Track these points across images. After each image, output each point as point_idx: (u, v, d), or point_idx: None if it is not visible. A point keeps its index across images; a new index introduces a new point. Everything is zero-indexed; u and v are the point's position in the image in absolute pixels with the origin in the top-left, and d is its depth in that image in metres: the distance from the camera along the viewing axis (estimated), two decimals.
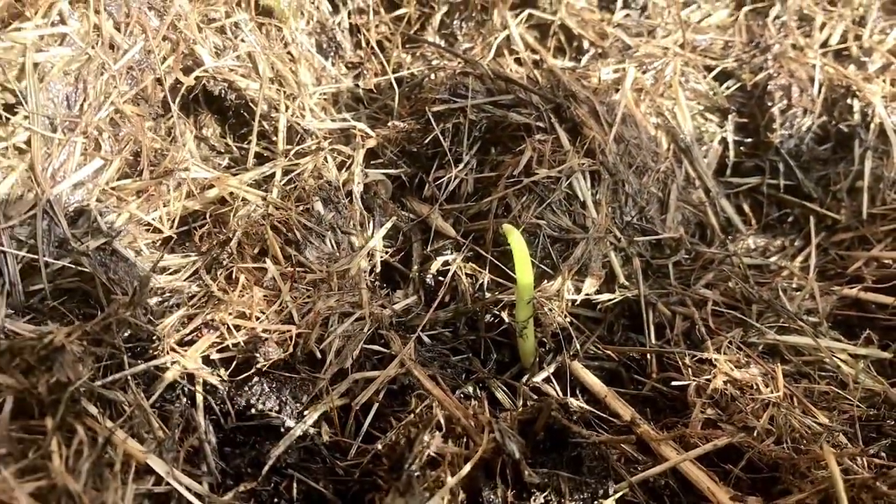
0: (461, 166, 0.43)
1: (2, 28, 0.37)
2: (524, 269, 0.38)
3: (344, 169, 0.44)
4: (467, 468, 0.32)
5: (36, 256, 0.33)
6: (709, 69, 0.55)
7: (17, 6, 0.38)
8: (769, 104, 0.54)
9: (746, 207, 0.52)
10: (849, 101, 0.54)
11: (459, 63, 0.48)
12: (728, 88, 0.55)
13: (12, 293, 0.33)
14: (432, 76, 0.48)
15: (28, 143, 0.35)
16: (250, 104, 0.44)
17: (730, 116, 0.54)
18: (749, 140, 0.54)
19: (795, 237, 0.50)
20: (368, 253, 0.42)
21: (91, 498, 0.28)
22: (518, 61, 0.50)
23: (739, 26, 0.57)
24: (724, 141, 0.55)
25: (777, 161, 0.53)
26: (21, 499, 0.26)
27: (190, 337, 0.35)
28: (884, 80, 0.55)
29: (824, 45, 0.57)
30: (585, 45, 0.54)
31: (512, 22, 0.51)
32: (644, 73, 0.51)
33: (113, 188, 0.37)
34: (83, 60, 0.37)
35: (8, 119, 0.34)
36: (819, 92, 0.53)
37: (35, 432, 0.30)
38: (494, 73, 0.46)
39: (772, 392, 0.37)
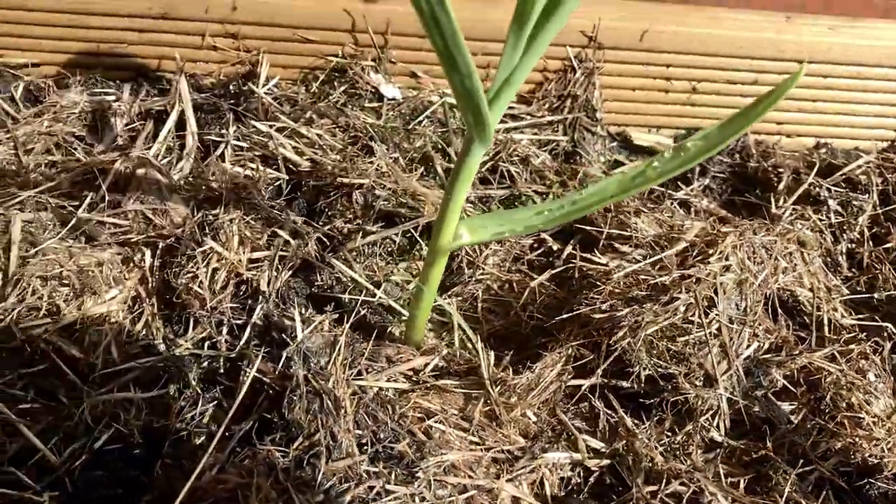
0: None
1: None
2: None
3: (876, 354, 0.64)
4: None
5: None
6: None
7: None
8: None
9: None
10: None
11: None
12: None
13: None
14: None
15: (719, 330, 0.58)
16: (801, 305, 0.65)
17: None
18: None
19: None
20: None
21: None
22: None
23: None
24: None
25: None
26: None
27: None
28: None
29: None
30: None
31: None
32: None
33: None
34: (740, 280, 0.60)
35: (707, 314, 0.58)
36: None
37: None
38: None
39: None
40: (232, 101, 0.74)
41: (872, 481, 0.53)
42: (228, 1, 0.74)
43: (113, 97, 0.72)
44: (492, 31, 0.76)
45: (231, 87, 0.75)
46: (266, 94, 0.74)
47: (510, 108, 0.78)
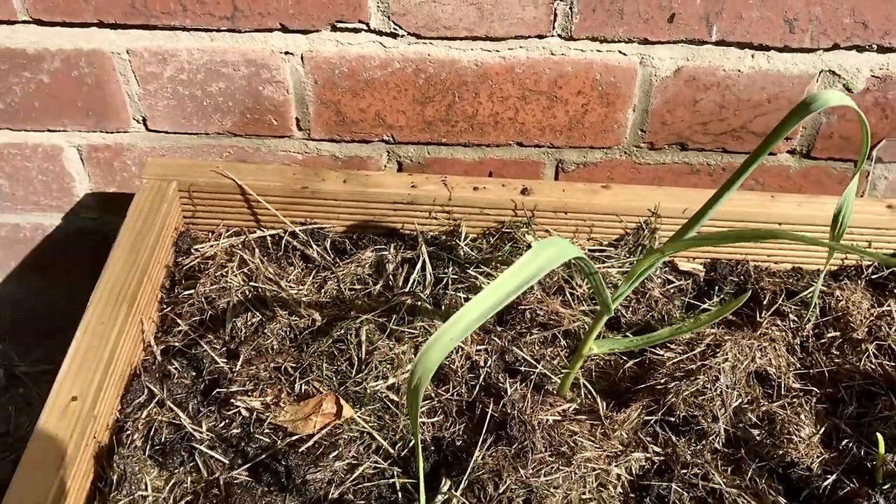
0: None
1: None
2: None
3: (806, 404, 1.16)
4: None
5: None
6: None
7: None
8: None
9: None
10: None
11: None
12: None
13: None
14: None
15: (720, 393, 1.12)
16: (770, 376, 1.19)
17: None
18: None
19: None
20: None
21: None
22: None
23: None
24: None
25: None
26: None
27: None
28: None
29: None
30: None
31: None
32: None
33: None
34: (733, 365, 1.14)
35: (714, 384, 1.12)
36: None
37: None
38: None
39: None
40: (446, 250, 1.30)
41: (793, 470, 1.07)
42: (445, 195, 1.31)
43: (384, 250, 1.30)
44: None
45: (447, 242, 1.32)
46: (465, 246, 1.31)
47: (603, 250, 1.33)
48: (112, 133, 1.41)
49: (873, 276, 1.33)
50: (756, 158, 0.83)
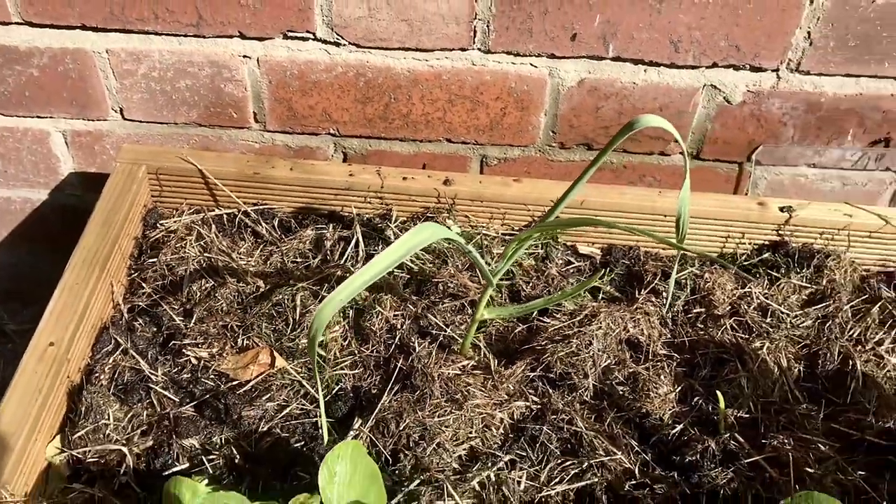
0: None
1: None
2: None
3: (668, 367, 1.39)
4: None
5: None
6: None
7: None
8: None
9: None
10: None
11: None
12: None
13: None
14: None
15: (592, 355, 1.34)
16: (640, 343, 1.41)
17: None
18: None
19: None
20: None
21: None
22: None
23: None
24: None
25: None
26: None
27: None
28: None
29: None
30: None
31: None
32: None
33: None
34: (605, 332, 1.36)
35: (587, 348, 1.34)
36: None
37: None
38: None
39: None
40: (378, 231, 1.52)
41: (647, 420, 1.29)
42: (379, 183, 1.52)
43: (324, 229, 1.51)
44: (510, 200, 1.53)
45: (378, 224, 1.53)
46: (395, 227, 1.52)
47: (514, 234, 1.55)
48: (93, 121, 1.62)
49: (745, 263, 1.55)
50: (596, 163, 1.05)
